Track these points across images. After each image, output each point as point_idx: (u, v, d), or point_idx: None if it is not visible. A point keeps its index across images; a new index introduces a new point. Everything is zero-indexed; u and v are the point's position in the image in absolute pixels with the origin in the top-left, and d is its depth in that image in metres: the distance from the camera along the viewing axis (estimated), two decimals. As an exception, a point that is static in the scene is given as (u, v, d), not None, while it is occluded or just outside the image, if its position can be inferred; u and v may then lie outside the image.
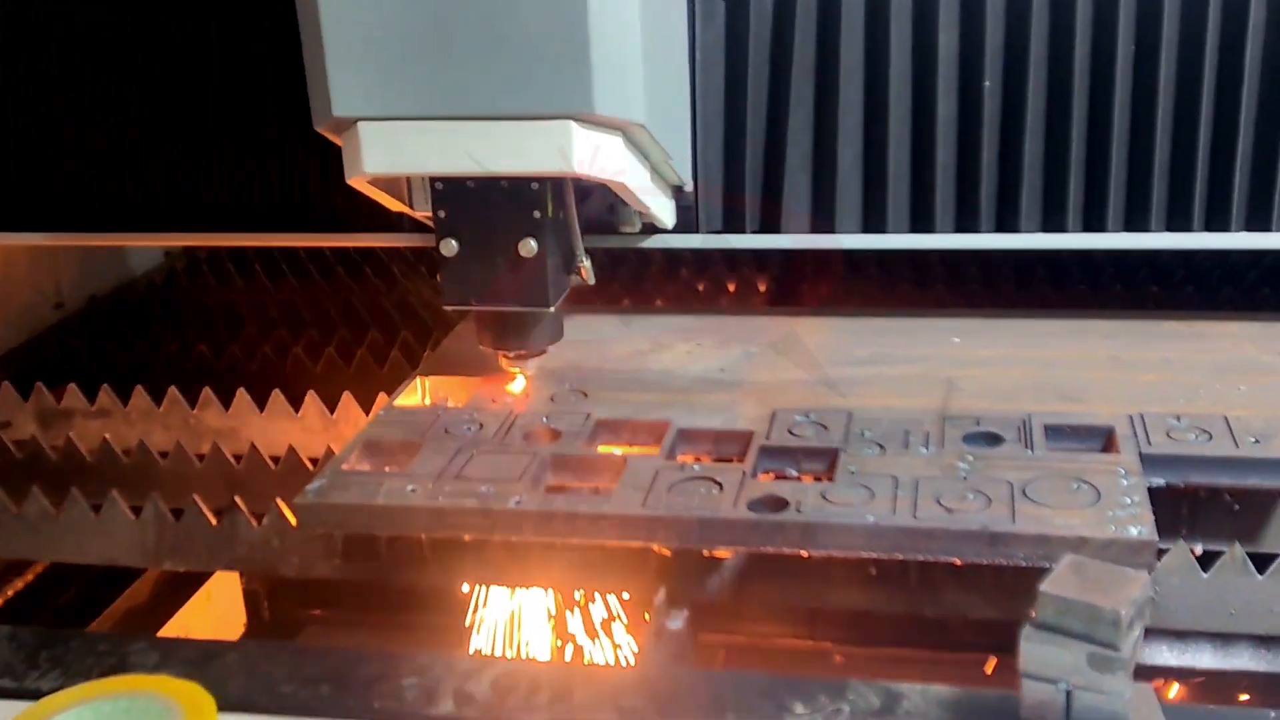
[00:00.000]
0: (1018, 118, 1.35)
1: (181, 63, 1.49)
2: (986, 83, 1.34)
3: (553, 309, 1.26)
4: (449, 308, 1.27)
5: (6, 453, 1.44)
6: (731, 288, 1.84)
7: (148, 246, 2.00)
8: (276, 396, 1.47)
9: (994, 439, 1.17)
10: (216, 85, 1.49)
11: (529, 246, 1.21)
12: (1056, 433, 1.18)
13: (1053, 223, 1.37)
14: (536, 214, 1.21)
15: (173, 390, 1.51)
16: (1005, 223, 1.38)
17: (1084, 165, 1.35)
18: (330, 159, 1.49)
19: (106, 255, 1.98)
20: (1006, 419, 1.20)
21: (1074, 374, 1.32)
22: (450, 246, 1.23)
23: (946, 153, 1.37)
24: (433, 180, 1.22)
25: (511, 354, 1.32)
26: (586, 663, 1.03)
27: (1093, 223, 1.37)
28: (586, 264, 1.27)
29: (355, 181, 1.19)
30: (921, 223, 1.39)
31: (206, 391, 1.50)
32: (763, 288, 1.84)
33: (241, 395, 1.48)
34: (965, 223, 1.39)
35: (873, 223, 1.40)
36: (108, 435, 1.42)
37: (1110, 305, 1.71)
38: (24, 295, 1.84)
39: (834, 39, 1.35)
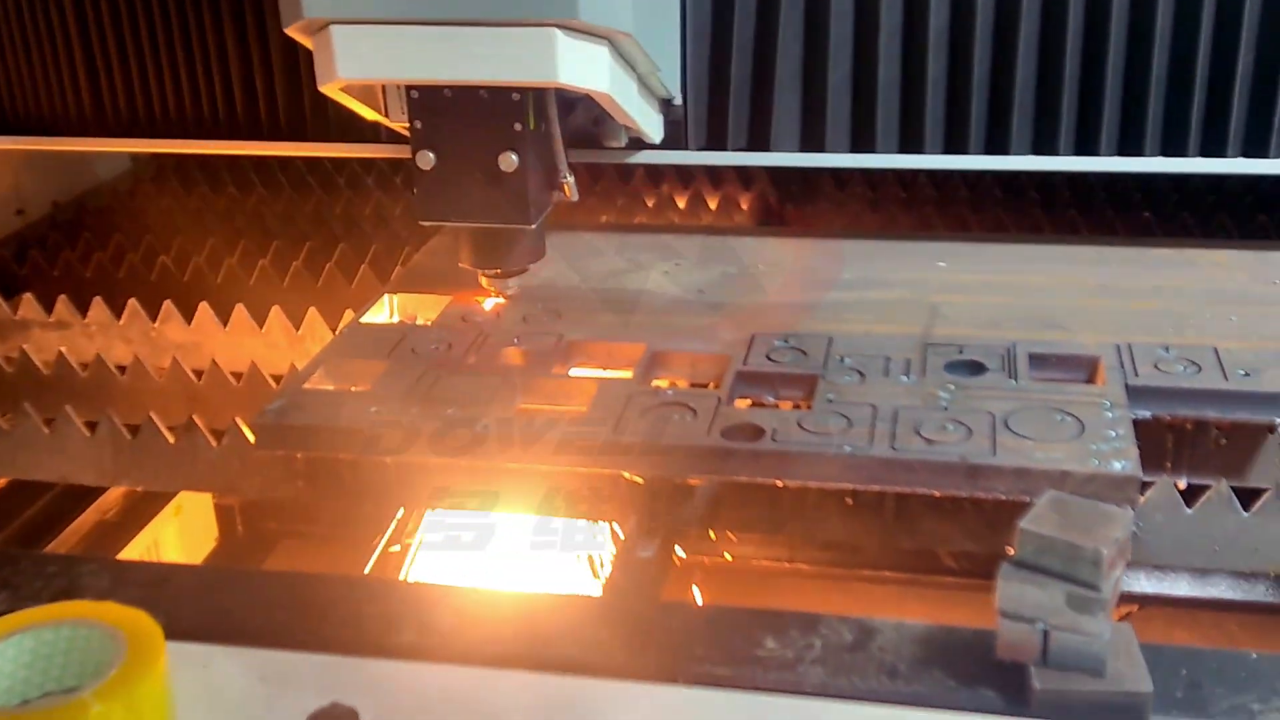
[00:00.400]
0: (1010, 32, 1.30)
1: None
2: None
3: (534, 226, 1.22)
4: (425, 223, 1.23)
5: (-43, 365, 1.40)
6: (714, 204, 1.80)
7: (111, 153, 1.94)
8: (240, 311, 1.43)
9: (977, 368, 1.14)
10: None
11: (509, 160, 1.17)
12: (1041, 362, 1.15)
13: (1044, 145, 1.33)
14: (517, 126, 1.16)
15: (133, 302, 1.46)
16: (995, 144, 1.34)
17: (1078, 85, 1.31)
18: (302, 65, 1.45)
19: (71, 162, 1.92)
20: (990, 347, 1.17)
21: (1061, 301, 1.28)
22: (427, 159, 1.18)
23: (937, 68, 1.32)
24: (409, 88, 1.17)
25: (491, 272, 1.28)
26: (553, 593, 1.00)
27: (1085, 145, 1.33)
28: (570, 180, 1.22)
29: (328, 88, 1.15)
30: (911, 143, 1.35)
31: (168, 305, 1.45)
32: (745, 205, 1.80)
33: (204, 309, 1.44)
34: (955, 143, 1.35)
35: (862, 142, 1.36)
36: (64, 348, 1.38)
37: (1102, 230, 1.67)
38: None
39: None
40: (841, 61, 1.33)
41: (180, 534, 1.82)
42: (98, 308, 1.48)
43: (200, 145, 1.54)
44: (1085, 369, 1.15)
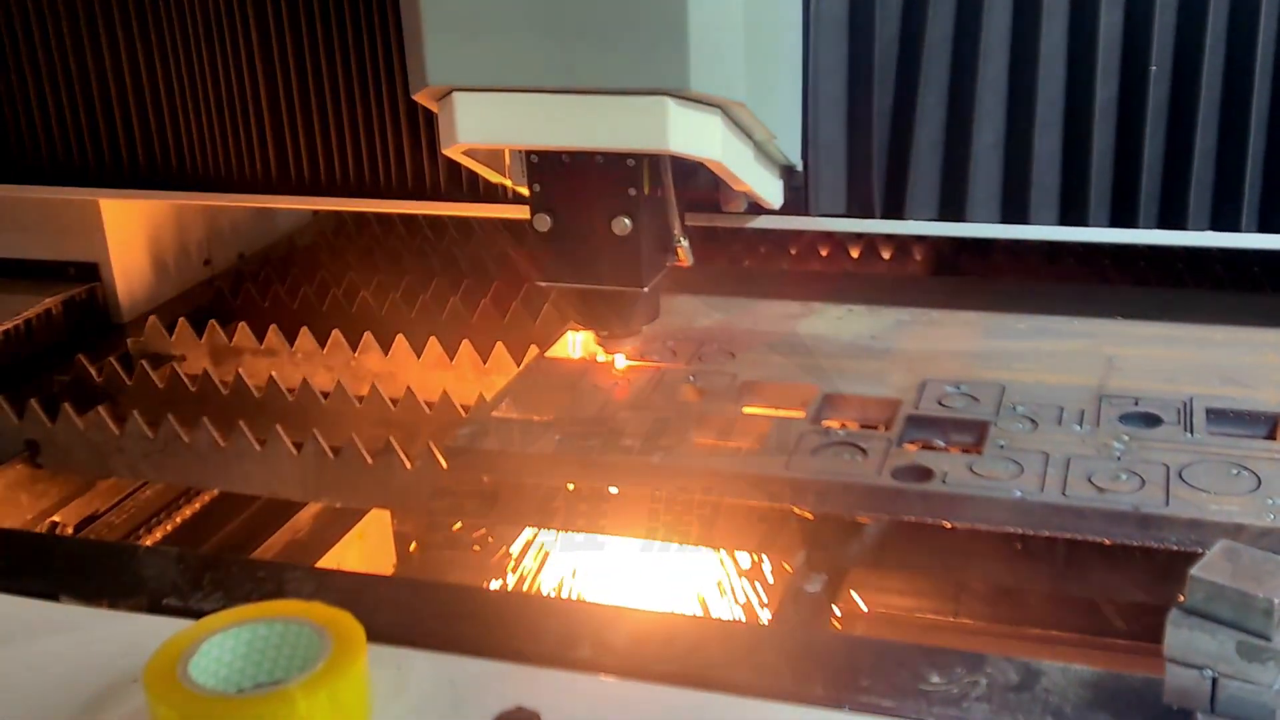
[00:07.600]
0: (1188, 107, 1.24)
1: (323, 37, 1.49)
2: (1153, 67, 1.24)
3: (646, 289, 1.24)
4: (543, 284, 1.26)
5: (180, 385, 1.51)
6: (887, 254, 1.82)
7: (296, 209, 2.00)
8: (433, 343, 1.51)
9: (1152, 420, 1.14)
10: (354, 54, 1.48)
11: (623, 224, 1.19)
12: (1219, 417, 1.15)
13: (1224, 220, 1.26)
14: (632, 191, 1.19)
15: (336, 333, 1.56)
16: (1169, 217, 1.27)
17: (1262, 159, 1.25)
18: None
19: (249, 217, 1.99)
20: (1166, 400, 1.17)
21: (1240, 357, 1.27)
22: (544, 221, 1.22)
23: (1104, 141, 1.27)
24: (528, 153, 1.21)
25: (603, 334, 1.31)
26: (722, 619, 1.03)
27: (1270, 220, 1.26)
28: (685, 244, 1.24)
29: (451, 151, 1.19)
30: (1072, 214, 1.30)
31: (368, 336, 1.55)
32: (919, 255, 1.81)
33: (400, 341, 1.53)
34: (1122, 216, 1.29)
35: (1013, 211, 1.31)
36: (274, 373, 1.48)
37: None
38: (172, 251, 1.87)
39: (975, 11, 1.26)
40: (990, 129, 1.29)
41: (362, 556, 1.92)
42: (304, 337, 1.58)
43: (340, 204, 1.57)
44: (1265, 425, 1.14)
